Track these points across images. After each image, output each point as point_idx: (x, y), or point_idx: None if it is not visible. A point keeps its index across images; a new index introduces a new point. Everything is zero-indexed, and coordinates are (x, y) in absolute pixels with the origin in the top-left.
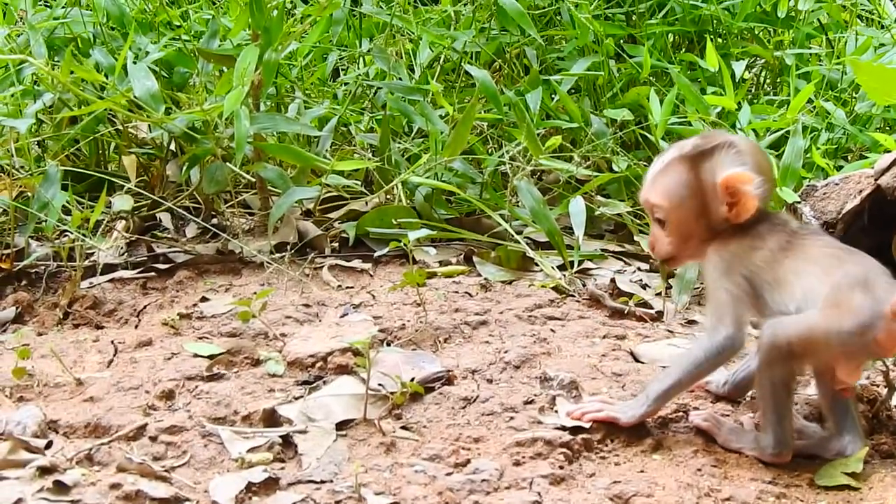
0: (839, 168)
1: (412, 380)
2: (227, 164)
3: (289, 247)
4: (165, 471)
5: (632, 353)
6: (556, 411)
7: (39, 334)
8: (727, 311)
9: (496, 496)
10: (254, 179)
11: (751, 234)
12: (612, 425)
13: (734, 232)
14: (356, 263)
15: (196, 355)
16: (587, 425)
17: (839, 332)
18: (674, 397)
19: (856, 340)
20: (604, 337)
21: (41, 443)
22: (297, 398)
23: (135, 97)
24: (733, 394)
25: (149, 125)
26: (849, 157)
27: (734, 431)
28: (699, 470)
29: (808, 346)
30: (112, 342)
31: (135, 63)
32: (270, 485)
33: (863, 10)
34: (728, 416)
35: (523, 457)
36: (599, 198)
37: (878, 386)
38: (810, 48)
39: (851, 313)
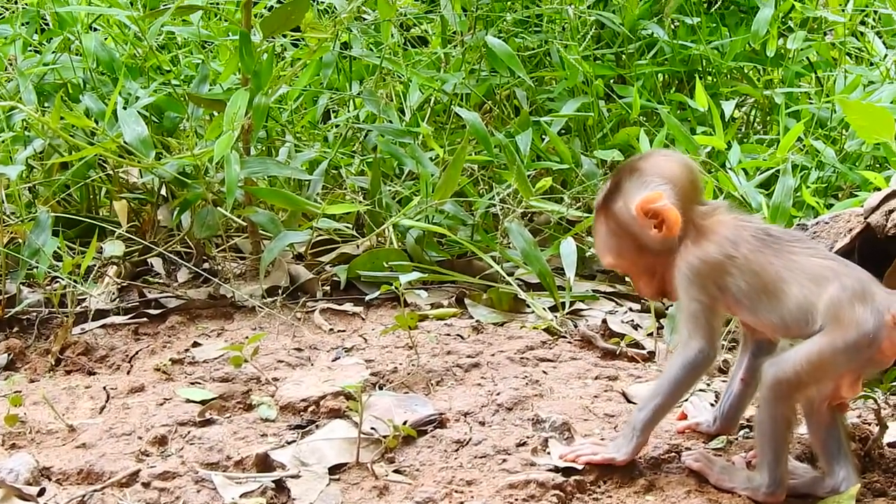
0: (829, 206)
1: (405, 423)
2: (218, 208)
3: (280, 291)
4: None
5: (624, 394)
6: (549, 453)
7: (31, 381)
8: (698, 323)
9: None
10: (245, 224)
11: (719, 240)
12: (606, 466)
13: (697, 241)
14: (348, 307)
15: (188, 400)
16: (580, 467)
17: (845, 348)
18: (660, 421)
19: (862, 352)
20: (596, 378)
21: (34, 490)
22: (289, 442)
23: (125, 142)
24: (725, 428)
25: (139, 170)
26: (839, 196)
27: (726, 471)
28: None
29: (818, 370)
30: (104, 388)
31: (125, 108)
32: None
33: (852, 48)
34: (720, 455)
35: (516, 499)
36: (590, 239)
37: (869, 424)
38: (800, 87)
39: (854, 326)
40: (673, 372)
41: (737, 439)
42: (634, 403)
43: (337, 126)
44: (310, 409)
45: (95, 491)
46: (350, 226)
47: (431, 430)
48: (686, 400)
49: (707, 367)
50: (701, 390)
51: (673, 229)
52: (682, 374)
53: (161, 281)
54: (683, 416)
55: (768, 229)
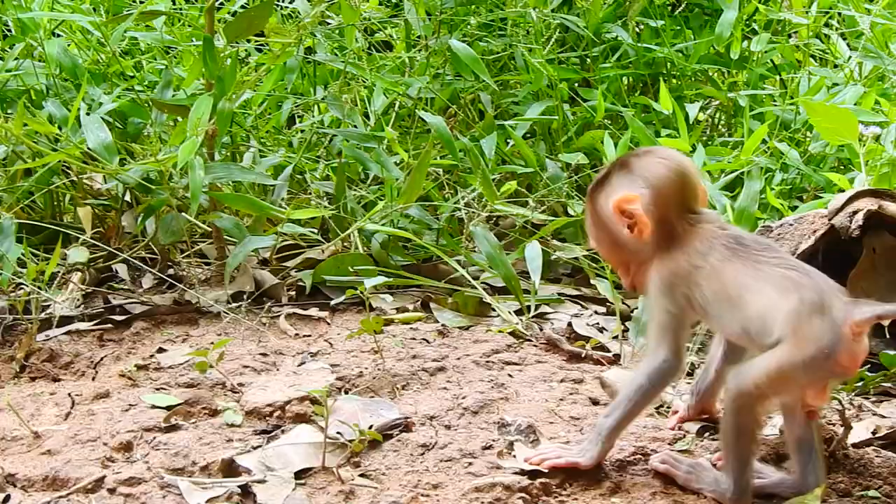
0: (794, 208)
1: (370, 427)
2: (183, 214)
3: (245, 296)
4: None
5: (591, 399)
6: (515, 456)
7: None
8: (666, 333)
9: None
10: (210, 229)
11: (689, 251)
12: (572, 469)
13: (672, 250)
14: (313, 312)
15: (154, 406)
16: (545, 470)
17: (803, 362)
18: (626, 427)
19: (819, 365)
20: (561, 381)
21: None
22: (255, 447)
23: (89, 148)
24: (704, 405)
25: (103, 176)
26: (804, 198)
27: (694, 471)
28: None
29: (776, 383)
30: (69, 395)
31: (88, 114)
32: None
33: (816, 50)
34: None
35: (482, 502)
36: (555, 242)
37: (833, 425)
38: (764, 89)
39: (812, 340)
40: (638, 381)
41: (702, 441)
42: (604, 404)
43: (302, 131)
44: (275, 413)
45: (61, 497)
46: (315, 231)
47: (397, 435)
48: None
49: (673, 378)
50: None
51: (643, 233)
52: (648, 383)
53: (126, 287)
54: (675, 412)
55: (741, 238)
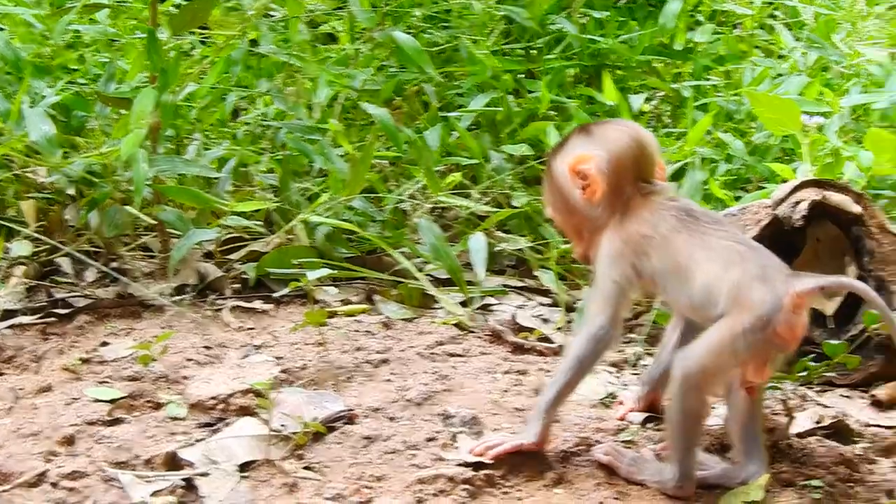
0: (738, 199)
1: (314, 420)
2: (126, 207)
3: (189, 289)
4: None
5: (535, 390)
6: (458, 448)
7: None
8: (609, 303)
9: None
10: (154, 222)
11: (640, 220)
12: (516, 459)
13: (624, 219)
14: (257, 304)
15: (97, 400)
16: (489, 461)
17: (743, 331)
18: (565, 399)
19: (759, 336)
20: (505, 372)
21: None
22: (198, 441)
23: (32, 142)
24: (655, 395)
25: (47, 170)
26: (748, 188)
27: (636, 463)
28: (601, 503)
29: (722, 359)
30: (12, 389)
31: (31, 107)
32: None
33: (760, 40)
34: (629, 448)
35: (426, 494)
36: (500, 233)
37: (777, 415)
38: (708, 80)
39: (751, 308)
40: (577, 348)
41: (646, 431)
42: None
43: (246, 123)
44: (219, 406)
45: (3, 492)
46: (259, 223)
47: (341, 427)
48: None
49: (609, 346)
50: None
51: (595, 194)
52: (585, 348)
53: (69, 280)
54: (621, 403)
55: (691, 209)
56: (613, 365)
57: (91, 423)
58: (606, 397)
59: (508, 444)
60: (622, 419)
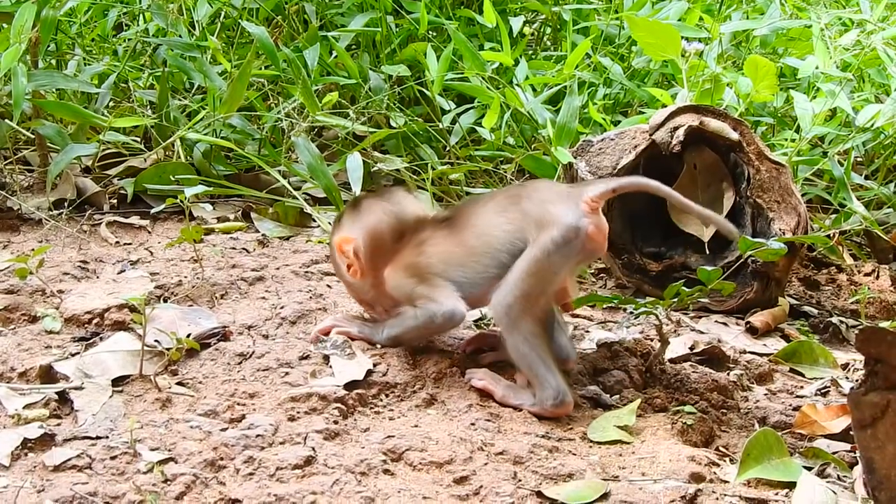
0: (616, 123)
1: (188, 336)
2: (6, 120)
3: (67, 203)
4: None
5: None
6: (332, 367)
7: None
8: (432, 290)
9: (270, 451)
10: (33, 136)
11: (408, 250)
12: (389, 379)
13: (394, 259)
14: (134, 220)
15: None
16: (360, 378)
17: (556, 247)
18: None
19: (572, 245)
20: None
21: None
22: (73, 354)
23: None
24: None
25: None
26: (628, 113)
27: (511, 389)
28: (473, 424)
29: (540, 278)
30: None
31: None
32: (46, 441)
33: None
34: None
35: (298, 412)
36: (377, 154)
37: (651, 340)
38: (589, 3)
39: (556, 224)
40: (418, 318)
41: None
42: None
43: (127, 40)
44: (94, 321)
45: None
46: (138, 139)
47: (215, 343)
48: None
49: (453, 326)
50: None
51: (357, 274)
52: (424, 327)
53: None
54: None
55: (445, 215)
56: None
57: None
58: (481, 320)
59: (355, 330)
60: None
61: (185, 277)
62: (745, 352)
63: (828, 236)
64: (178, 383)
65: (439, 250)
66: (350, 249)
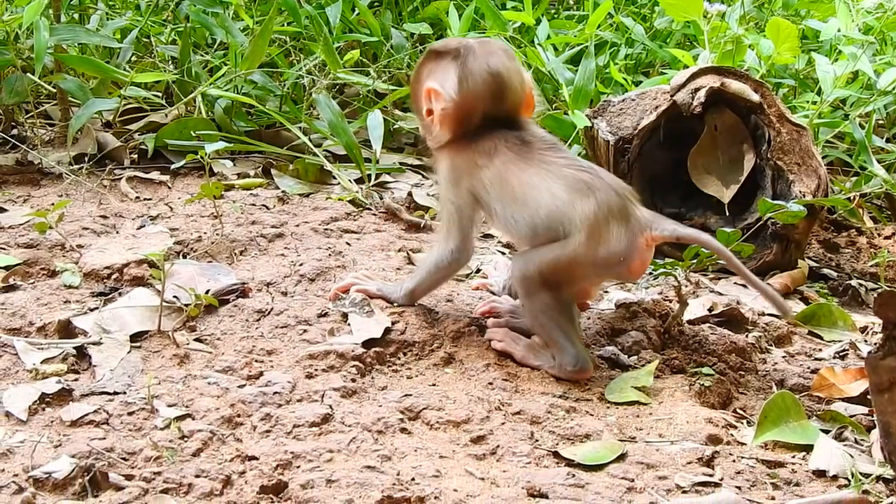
0: (638, 83)
1: (207, 292)
2: (28, 74)
3: (87, 158)
4: None
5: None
6: (350, 325)
7: None
8: (453, 224)
9: (288, 408)
10: (54, 90)
11: (477, 149)
12: (407, 337)
13: (463, 144)
14: (154, 175)
15: None
16: (378, 336)
17: (595, 262)
18: (423, 297)
19: (611, 268)
20: (399, 250)
21: None
22: (92, 310)
23: None
24: (515, 295)
25: None
26: (650, 73)
27: (531, 349)
28: (490, 384)
29: (561, 273)
30: None
31: None
32: (64, 396)
33: None
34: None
35: (316, 369)
36: (398, 112)
37: (670, 301)
38: None
39: (608, 244)
40: (430, 264)
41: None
42: None
43: None
44: (113, 276)
45: None
46: (159, 94)
47: (233, 300)
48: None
49: (457, 269)
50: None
51: (435, 127)
52: (437, 268)
53: None
54: (485, 276)
55: (523, 136)
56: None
57: None
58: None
59: (376, 289)
60: (477, 289)
61: (205, 233)
62: (763, 314)
63: (848, 199)
64: (197, 339)
65: (492, 175)
66: (438, 106)
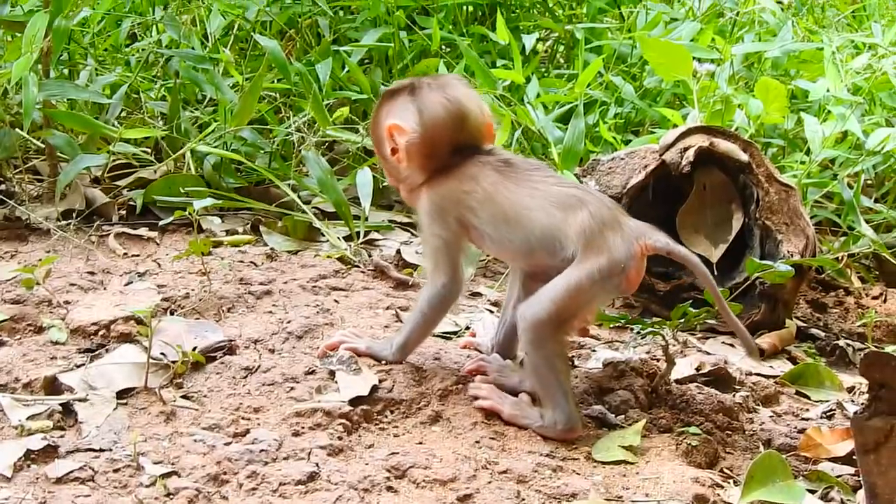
0: (627, 142)
1: (194, 349)
2: (16, 130)
3: (75, 214)
4: None
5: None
6: (337, 383)
7: None
8: (441, 258)
9: (274, 466)
10: (43, 146)
11: (459, 177)
12: (394, 395)
13: (440, 178)
14: (142, 231)
15: None
16: (366, 394)
17: (599, 275)
18: (416, 347)
19: (612, 279)
20: (387, 308)
21: None
22: (78, 366)
23: None
24: (503, 355)
25: None
26: (639, 132)
27: (518, 407)
28: (477, 442)
29: (576, 301)
30: None
31: None
32: (49, 452)
33: None
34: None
35: (303, 427)
36: None
37: (657, 360)
38: (602, 22)
39: (607, 253)
40: (422, 306)
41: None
42: None
43: (140, 50)
44: (100, 332)
45: None
46: (148, 151)
47: (221, 357)
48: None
49: (452, 301)
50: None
51: (403, 163)
52: (430, 307)
53: None
54: (473, 334)
55: (509, 159)
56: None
57: None
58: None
59: (363, 346)
60: (465, 347)
61: (193, 290)
62: (751, 373)
63: (836, 259)
64: (183, 396)
65: (481, 197)
66: (402, 141)
